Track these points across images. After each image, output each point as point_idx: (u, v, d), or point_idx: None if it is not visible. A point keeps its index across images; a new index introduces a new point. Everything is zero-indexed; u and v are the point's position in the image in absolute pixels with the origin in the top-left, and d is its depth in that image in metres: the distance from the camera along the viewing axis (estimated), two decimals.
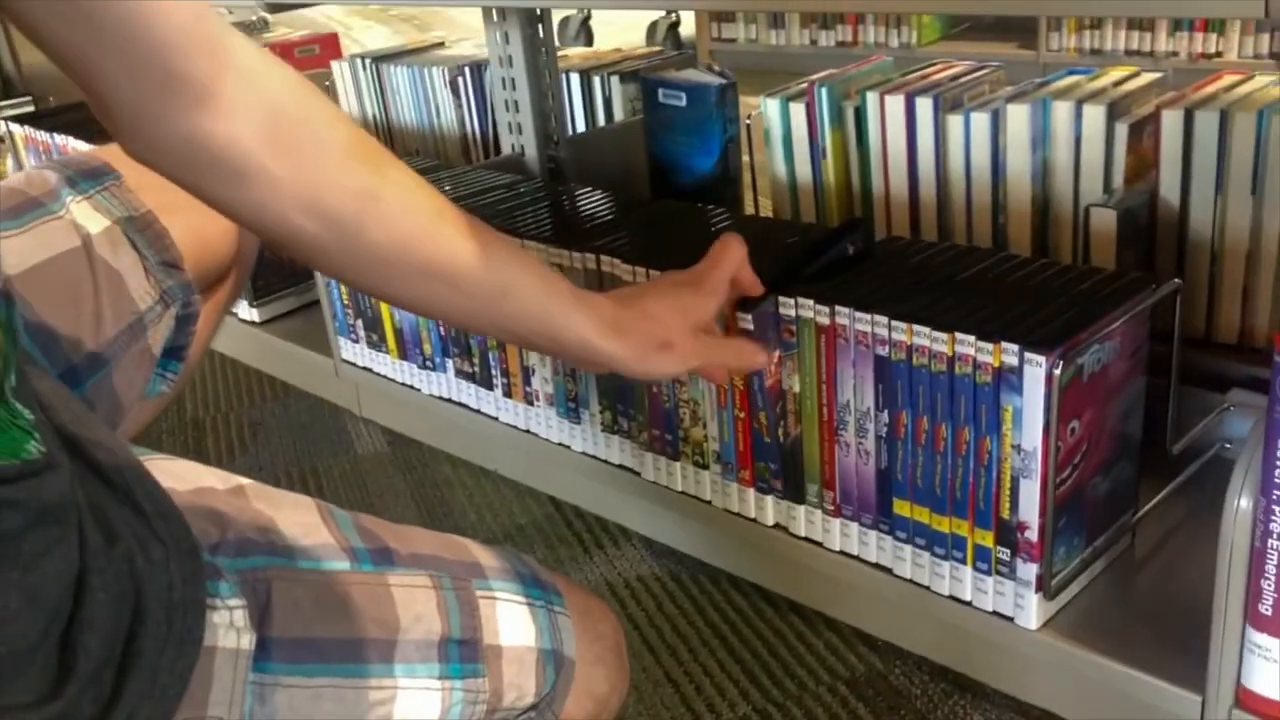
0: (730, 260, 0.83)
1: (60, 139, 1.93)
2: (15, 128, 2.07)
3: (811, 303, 0.95)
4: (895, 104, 1.28)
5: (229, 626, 0.56)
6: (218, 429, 1.62)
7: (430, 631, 0.62)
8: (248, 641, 0.56)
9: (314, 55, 2.43)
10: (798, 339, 0.96)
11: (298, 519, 0.64)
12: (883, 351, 0.91)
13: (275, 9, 1.41)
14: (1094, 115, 1.15)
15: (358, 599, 0.61)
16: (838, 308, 0.93)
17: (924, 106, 1.26)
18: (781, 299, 0.96)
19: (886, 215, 1.33)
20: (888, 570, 0.99)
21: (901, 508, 0.95)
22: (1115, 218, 1.10)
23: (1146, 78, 1.22)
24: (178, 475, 0.63)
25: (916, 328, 0.88)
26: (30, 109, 2.33)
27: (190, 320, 0.86)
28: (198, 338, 0.88)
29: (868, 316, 0.91)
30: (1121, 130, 1.14)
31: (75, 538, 0.51)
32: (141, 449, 0.64)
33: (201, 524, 0.59)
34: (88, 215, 0.81)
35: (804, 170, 1.44)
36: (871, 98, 1.30)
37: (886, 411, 0.93)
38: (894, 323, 0.90)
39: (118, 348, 0.79)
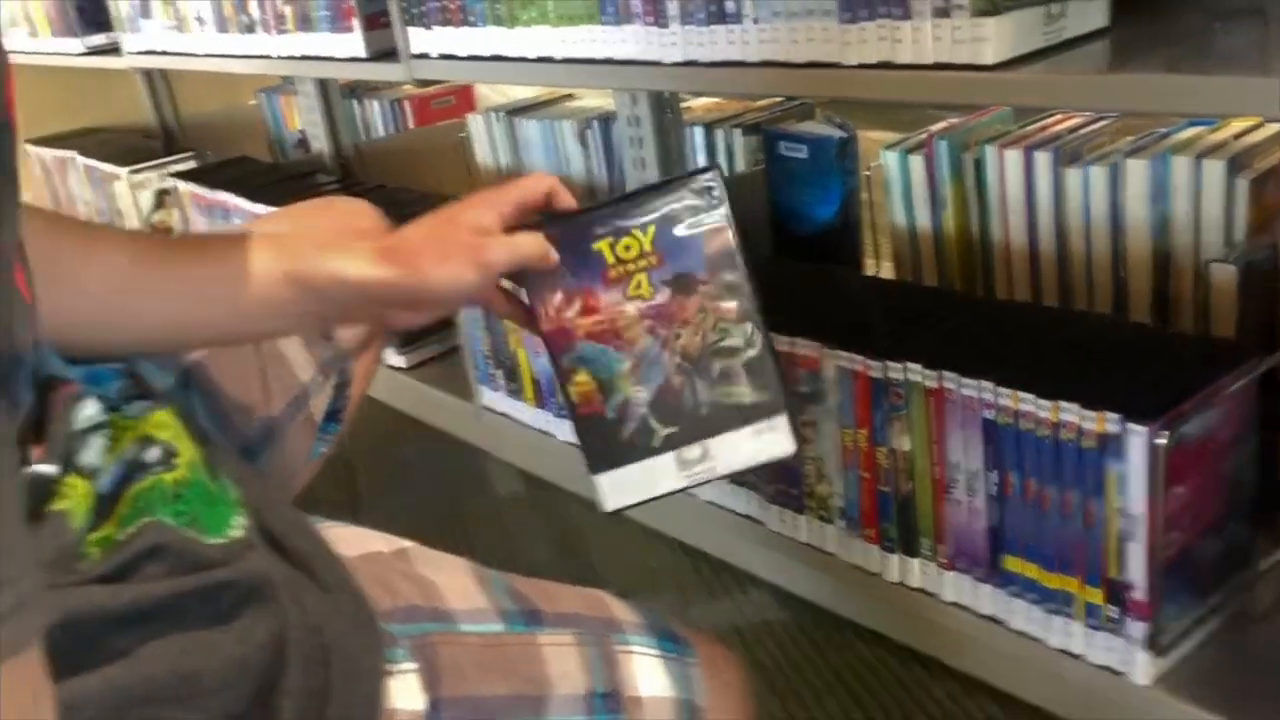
0: (525, 182, 0.74)
1: (223, 195, 2.07)
2: (181, 184, 2.23)
3: (920, 367, 0.99)
4: (1014, 158, 1.30)
5: (405, 690, 0.63)
6: (369, 470, 1.72)
7: (577, 686, 0.69)
8: (422, 704, 0.64)
9: (449, 106, 2.53)
10: (906, 401, 1.01)
11: (456, 583, 0.71)
12: (989, 415, 0.95)
13: (423, 84, 1.52)
14: (1214, 170, 1.15)
15: (512, 659, 0.68)
16: (945, 373, 0.97)
17: (1042, 161, 1.27)
18: (890, 362, 1.01)
19: (1007, 268, 1.35)
20: (1000, 622, 1.02)
21: (1012, 563, 0.98)
22: (1236, 273, 1.10)
23: (1270, 129, 1.22)
24: (346, 541, 0.71)
25: (1022, 394, 0.92)
26: (193, 164, 2.49)
27: (347, 385, 0.92)
28: (353, 398, 0.96)
29: (974, 382, 0.95)
30: (1242, 184, 1.14)
31: (276, 611, 0.58)
32: (311, 517, 0.72)
33: (374, 590, 0.67)
34: None
35: (924, 220, 1.47)
36: (990, 151, 1.33)
37: (996, 472, 0.96)
38: (1000, 388, 0.93)
39: (285, 420, 0.87)
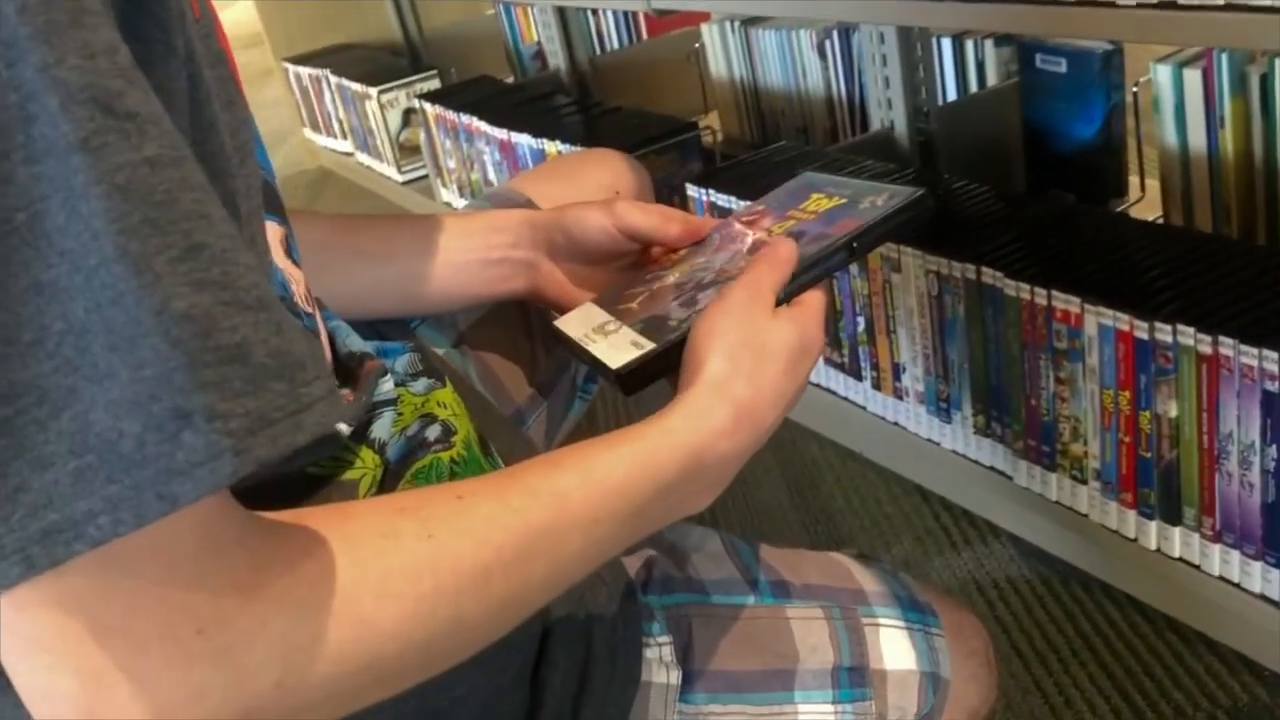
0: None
1: (466, 118, 2.11)
2: (427, 105, 2.29)
3: (1192, 330, 0.91)
4: None
5: (659, 662, 0.65)
6: (606, 409, 1.73)
7: (824, 660, 0.68)
8: (676, 676, 0.65)
9: (680, 14, 2.49)
10: (1175, 365, 0.93)
11: (708, 551, 0.72)
12: (1272, 387, 0.87)
13: (662, 14, 1.49)
14: None
15: (762, 632, 0.68)
16: (1221, 338, 0.89)
17: None
18: (1158, 323, 0.93)
19: None
20: (1275, 603, 0.95)
21: None
22: None
23: None
24: None
25: None
26: (436, 83, 2.55)
27: None
28: None
29: (1255, 350, 0.87)
30: None
31: None
32: None
33: (628, 561, 0.68)
34: None
35: (1198, 142, 1.35)
36: None
37: (1275, 446, 0.89)
38: None
39: (550, 384, 0.89)
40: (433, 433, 0.61)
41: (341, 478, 0.54)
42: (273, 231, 0.52)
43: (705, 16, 2.18)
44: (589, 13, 2.51)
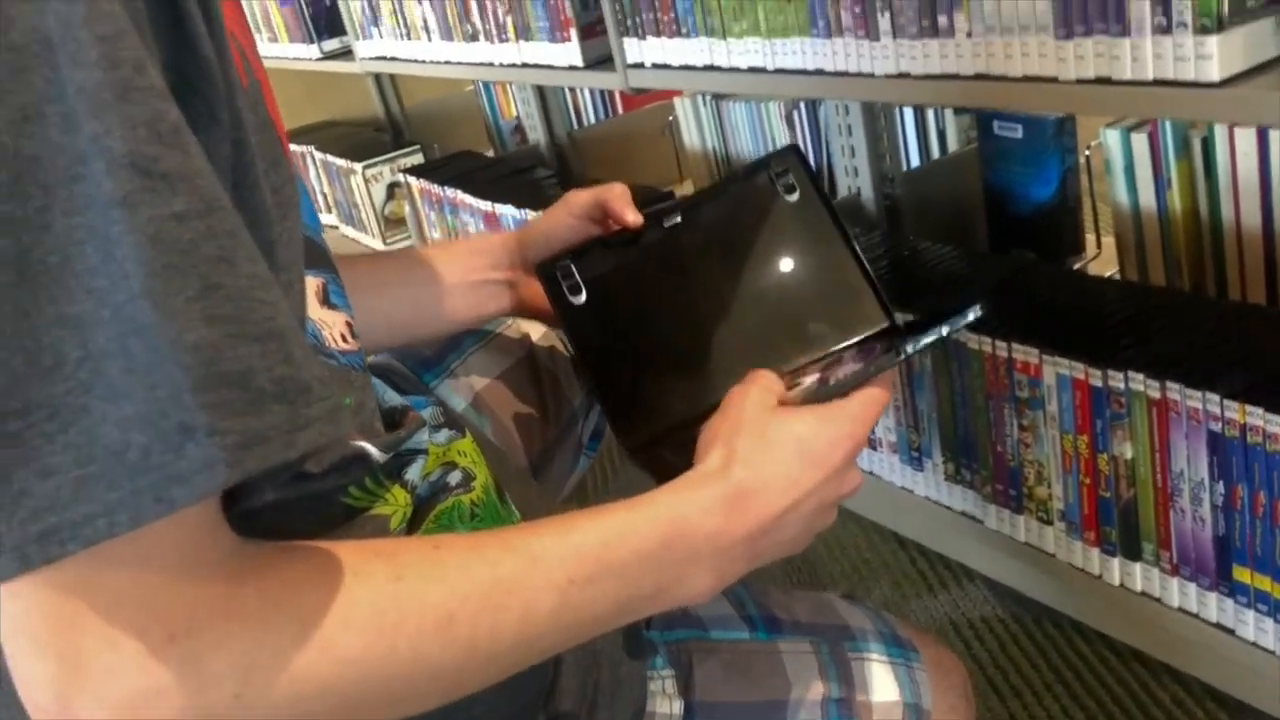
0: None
1: (450, 191, 2.19)
2: (411, 179, 2.36)
3: (1142, 376, 0.98)
4: (1246, 137, 1.25)
5: (663, 694, 0.70)
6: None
7: (814, 693, 0.74)
8: (678, 707, 0.70)
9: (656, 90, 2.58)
10: (1128, 410, 1.00)
11: None
12: (1216, 428, 0.94)
13: (639, 92, 1.57)
14: None
15: (757, 665, 0.74)
16: (1169, 383, 0.96)
17: (1278, 139, 1.22)
18: (1111, 371, 1.00)
19: (1239, 260, 1.30)
20: (1231, 631, 1.01)
21: (1241, 574, 0.97)
22: None
23: None
24: None
25: (1250, 408, 0.90)
26: (419, 158, 2.63)
27: None
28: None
29: (1199, 394, 0.94)
30: None
31: None
32: None
33: None
34: (529, 323, 0.98)
35: (1148, 200, 1.43)
36: (1219, 130, 1.28)
37: (1222, 483, 0.95)
38: (1227, 401, 0.92)
39: (557, 442, 0.95)
40: (454, 478, 0.66)
41: (375, 511, 0.59)
42: (310, 283, 0.58)
43: (679, 92, 2.27)
44: (566, 89, 2.60)
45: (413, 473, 0.63)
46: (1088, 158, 1.52)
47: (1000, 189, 1.66)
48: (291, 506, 0.53)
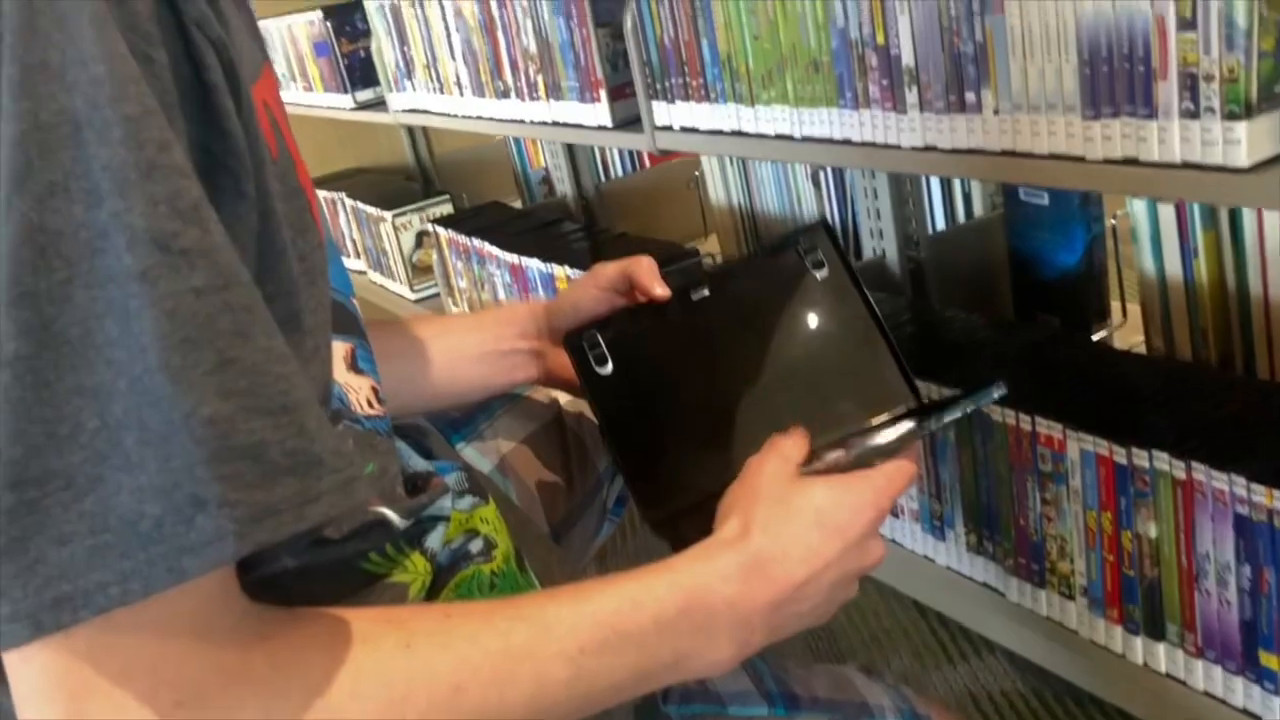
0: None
1: (478, 242, 2.20)
2: (440, 229, 2.38)
3: (1167, 455, 0.97)
4: (1274, 214, 1.25)
5: None
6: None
7: None
8: None
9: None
10: (1153, 488, 0.99)
11: None
12: (1242, 511, 0.93)
13: (665, 154, 1.59)
14: None
15: None
16: (1194, 463, 0.95)
17: None
18: (1135, 449, 0.99)
19: (1266, 334, 1.29)
20: (1257, 718, 0.99)
21: (1269, 660, 0.96)
22: None
23: None
24: None
25: (1277, 492, 0.89)
26: (448, 207, 2.66)
27: None
28: None
29: (1225, 475, 0.93)
30: None
31: None
32: None
33: None
34: None
35: (1174, 270, 1.42)
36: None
37: (1249, 566, 0.94)
38: (1253, 484, 0.91)
39: (583, 506, 0.95)
40: (475, 546, 0.67)
41: (394, 578, 0.59)
42: (338, 348, 0.58)
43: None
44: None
45: (434, 540, 0.63)
46: (1114, 226, 1.52)
47: (1025, 254, 1.67)
48: (310, 572, 0.53)
